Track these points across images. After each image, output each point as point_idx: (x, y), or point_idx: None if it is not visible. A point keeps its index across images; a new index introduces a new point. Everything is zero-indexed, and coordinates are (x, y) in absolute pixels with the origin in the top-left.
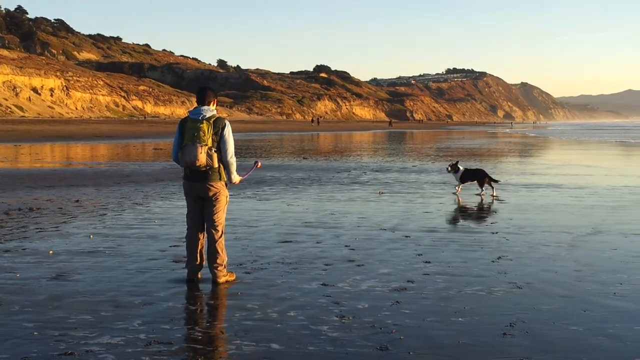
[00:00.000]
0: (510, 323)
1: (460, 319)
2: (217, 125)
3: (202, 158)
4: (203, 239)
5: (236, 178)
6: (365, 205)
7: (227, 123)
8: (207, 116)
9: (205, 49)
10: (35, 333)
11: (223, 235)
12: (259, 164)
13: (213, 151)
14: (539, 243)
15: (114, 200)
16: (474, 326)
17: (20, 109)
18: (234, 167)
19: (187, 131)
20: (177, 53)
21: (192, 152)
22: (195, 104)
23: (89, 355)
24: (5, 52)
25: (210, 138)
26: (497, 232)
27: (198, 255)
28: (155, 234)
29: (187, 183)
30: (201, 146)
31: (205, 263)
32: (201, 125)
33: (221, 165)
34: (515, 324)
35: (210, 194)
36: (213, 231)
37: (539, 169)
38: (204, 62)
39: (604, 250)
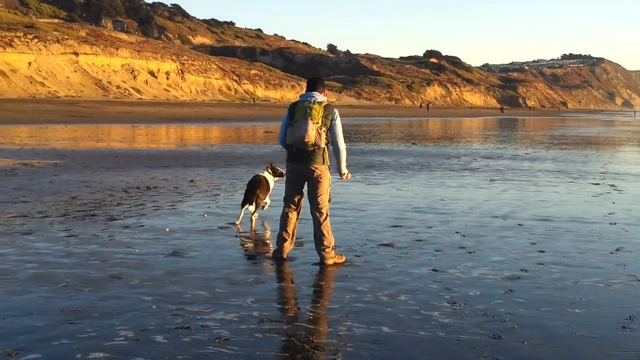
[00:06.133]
0: (630, 316)
1: (576, 310)
2: (327, 110)
3: (311, 134)
4: (296, 220)
5: (345, 169)
6: (476, 192)
7: (337, 111)
8: (318, 100)
9: (316, 33)
10: (153, 306)
11: (328, 218)
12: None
13: (322, 130)
14: None
15: (226, 180)
16: (591, 318)
17: (138, 91)
18: (344, 155)
19: (299, 110)
20: (288, 38)
21: (302, 127)
22: (305, 90)
23: (205, 330)
24: (124, 36)
25: (321, 118)
26: (615, 223)
27: (289, 234)
28: (266, 215)
29: (290, 164)
30: (313, 122)
31: (294, 243)
32: (313, 105)
33: (326, 149)
34: (635, 317)
35: (314, 175)
36: (317, 214)
37: None
38: (314, 47)
39: None
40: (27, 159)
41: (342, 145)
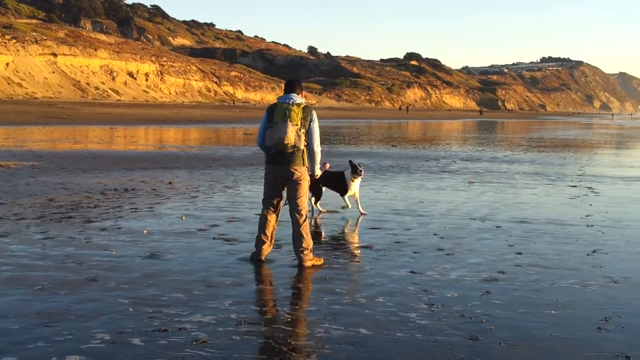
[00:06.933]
0: (606, 318)
1: (552, 311)
2: (306, 112)
3: (291, 136)
4: (274, 222)
5: (318, 172)
6: (455, 195)
7: (315, 113)
8: (296, 101)
9: (296, 35)
10: (130, 309)
11: (307, 220)
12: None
13: (302, 132)
14: (637, 237)
15: (205, 183)
16: (567, 319)
17: (117, 92)
18: (318, 158)
19: (277, 112)
20: (268, 39)
21: (282, 129)
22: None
23: (182, 332)
24: (103, 37)
25: (300, 120)
26: (592, 225)
27: (267, 236)
28: (245, 217)
29: (270, 167)
30: (292, 124)
31: (273, 245)
32: (292, 107)
33: (304, 150)
34: (610, 318)
35: (294, 177)
36: (297, 215)
37: (638, 162)
38: (294, 49)
39: None
40: (3, 160)
41: (318, 148)
